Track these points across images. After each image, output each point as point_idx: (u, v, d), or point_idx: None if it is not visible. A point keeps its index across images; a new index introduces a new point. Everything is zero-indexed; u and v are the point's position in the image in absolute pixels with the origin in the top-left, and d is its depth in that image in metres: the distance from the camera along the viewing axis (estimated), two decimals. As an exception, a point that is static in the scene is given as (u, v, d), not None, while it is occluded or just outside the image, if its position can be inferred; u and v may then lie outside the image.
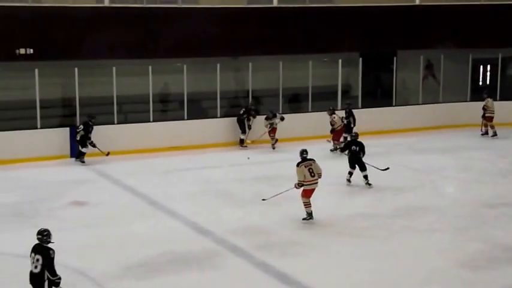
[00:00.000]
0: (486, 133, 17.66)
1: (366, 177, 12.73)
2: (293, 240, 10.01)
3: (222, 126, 16.64)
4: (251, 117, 16.51)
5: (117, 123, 15.89)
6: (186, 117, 16.56)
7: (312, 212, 10.78)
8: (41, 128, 15.21)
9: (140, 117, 16.42)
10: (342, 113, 16.36)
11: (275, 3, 17.84)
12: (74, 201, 11.97)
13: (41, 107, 15.14)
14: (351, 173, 12.88)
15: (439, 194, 12.62)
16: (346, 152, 13.02)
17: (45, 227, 10.34)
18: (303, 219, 10.75)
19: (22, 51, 15.33)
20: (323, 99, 17.55)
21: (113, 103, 15.73)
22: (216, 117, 16.92)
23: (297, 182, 10.63)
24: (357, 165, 12.84)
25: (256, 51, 17.41)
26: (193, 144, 16.19)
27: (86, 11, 16.05)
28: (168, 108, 17.36)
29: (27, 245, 9.57)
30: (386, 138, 17.35)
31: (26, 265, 8.97)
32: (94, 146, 14.69)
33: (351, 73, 18.89)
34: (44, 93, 15.30)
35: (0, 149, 14.66)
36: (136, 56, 16.31)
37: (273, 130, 16.23)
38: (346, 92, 18.92)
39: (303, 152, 10.69)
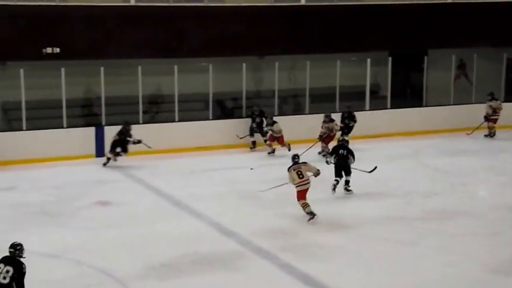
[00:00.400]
0: (489, 134, 17.20)
1: (347, 182, 12.10)
2: (318, 243, 9.84)
3: (247, 127, 16.41)
4: (256, 120, 16.08)
5: (142, 123, 15.81)
6: (211, 117, 16.43)
7: (312, 210, 10.66)
8: (67, 127, 15.22)
9: (165, 117, 16.33)
10: (338, 116, 15.95)
11: (302, 2, 17.64)
12: (99, 201, 11.96)
13: (67, 107, 15.16)
14: (337, 181, 12.06)
15: (470, 197, 12.31)
16: (333, 157, 12.20)
17: (72, 226, 10.37)
18: (308, 220, 10.62)
19: (49, 50, 15.39)
20: (351, 100, 17.26)
21: (138, 102, 15.68)
22: (242, 117, 16.74)
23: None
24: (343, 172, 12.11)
25: (283, 50, 17.20)
26: (218, 144, 16.03)
27: (112, 10, 15.99)
28: (193, 108, 17.26)
29: (52, 244, 9.73)
30: (416, 139, 16.99)
31: (52, 264, 9.07)
32: (140, 141, 14.42)
33: (380, 73, 18.55)
34: (70, 92, 15.32)
35: (26, 148, 14.70)
36: (162, 56, 16.23)
37: (270, 137, 15.53)
38: (374, 92, 18.59)
39: (295, 157, 11.02)
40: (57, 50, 15.41)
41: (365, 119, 16.90)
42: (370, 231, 10.30)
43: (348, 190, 12.13)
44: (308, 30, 17.54)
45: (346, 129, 15.89)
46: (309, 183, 10.75)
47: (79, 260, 9.10)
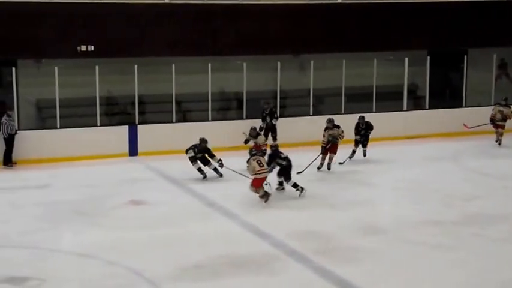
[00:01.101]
0: (497, 141, 16.42)
1: (295, 185, 11.95)
2: (354, 246, 9.60)
3: (280, 126, 16.14)
4: (266, 119, 15.62)
5: (176, 122, 15.72)
6: (245, 117, 16.25)
7: (265, 191, 11.46)
8: (100, 125, 15.22)
9: (199, 116, 16.20)
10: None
11: (339, 0, 17.37)
12: (132, 200, 11.88)
13: (100, 104, 15.16)
14: (281, 183, 12.18)
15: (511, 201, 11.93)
16: (281, 160, 11.95)
17: (104, 225, 10.26)
18: (265, 201, 11.42)
19: (83, 48, 15.44)
20: (388, 99, 16.91)
21: (171, 101, 15.58)
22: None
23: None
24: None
25: (319, 48, 16.95)
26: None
27: (146, 8, 16.01)
28: (227, 107, 17.09)
29: (86, 244, 9.68)
30: (456, 141, 16.57)
31: (83, 263, 9.03)
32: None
33: (418, 72, 18.16)
34: (103, 90, 15.31)
35: (60, 146, 14.75)
36: (196, 54, 16.16)
37: (254, 146, 14.52)
38: (412, 92, 18.29)
39: (252, 150, 12.18)
40: (92, 48, 15.47)
41: (402, 119, 16.54)
42: (408, 235, 10.04)
43: (302, 189, 11.95)
44: (344, 28, 17.29)
45: (366, 141, 14.66)
46: (267, 172, 11.58)
47: (111, 259, 9.03)
